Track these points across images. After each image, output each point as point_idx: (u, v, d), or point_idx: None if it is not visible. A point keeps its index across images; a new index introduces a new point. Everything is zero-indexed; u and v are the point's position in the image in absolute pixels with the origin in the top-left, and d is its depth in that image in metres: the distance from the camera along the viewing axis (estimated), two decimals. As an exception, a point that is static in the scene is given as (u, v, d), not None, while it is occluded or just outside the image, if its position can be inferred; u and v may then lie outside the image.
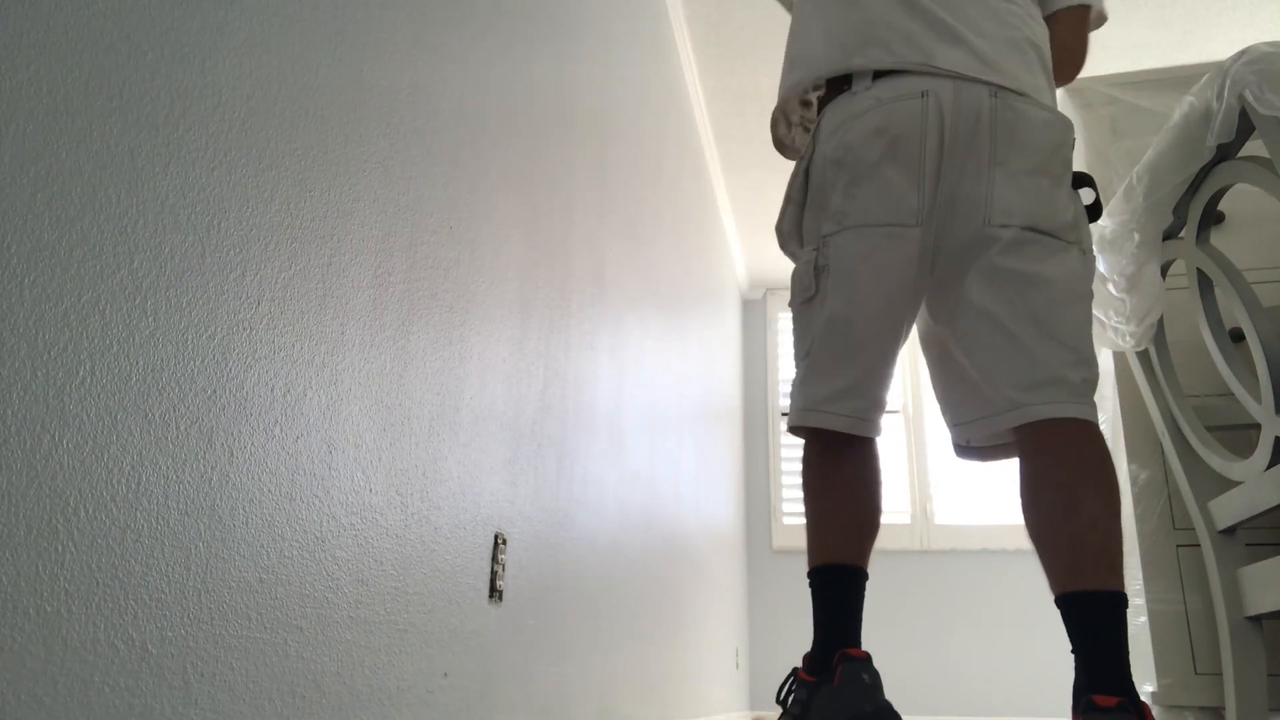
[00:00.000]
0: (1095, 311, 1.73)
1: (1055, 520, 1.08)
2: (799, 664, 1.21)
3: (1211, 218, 1.50)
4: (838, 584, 1.21)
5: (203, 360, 0.76)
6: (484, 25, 1.45)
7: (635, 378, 2.37)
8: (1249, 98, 1.25)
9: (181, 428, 0.73)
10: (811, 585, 1.23)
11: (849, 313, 1.20)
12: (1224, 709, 1.56)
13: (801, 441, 1.31)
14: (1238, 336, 1.50)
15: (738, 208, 4.69)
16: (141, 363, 0.69)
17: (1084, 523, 1.05)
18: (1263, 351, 1.31)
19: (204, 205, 0.77)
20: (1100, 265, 1.69)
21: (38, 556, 0.59)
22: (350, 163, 1.01)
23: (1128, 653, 1.03)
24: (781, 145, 1.40)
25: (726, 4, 3.31)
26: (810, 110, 1.31)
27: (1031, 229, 1.14)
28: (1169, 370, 1.67)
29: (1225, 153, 1.40)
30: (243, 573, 0.79)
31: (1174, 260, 1.59)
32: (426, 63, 1.22)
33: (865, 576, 1.23)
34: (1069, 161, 1.20)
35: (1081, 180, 1.21)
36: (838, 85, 1.26)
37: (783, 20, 3.38)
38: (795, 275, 1.29)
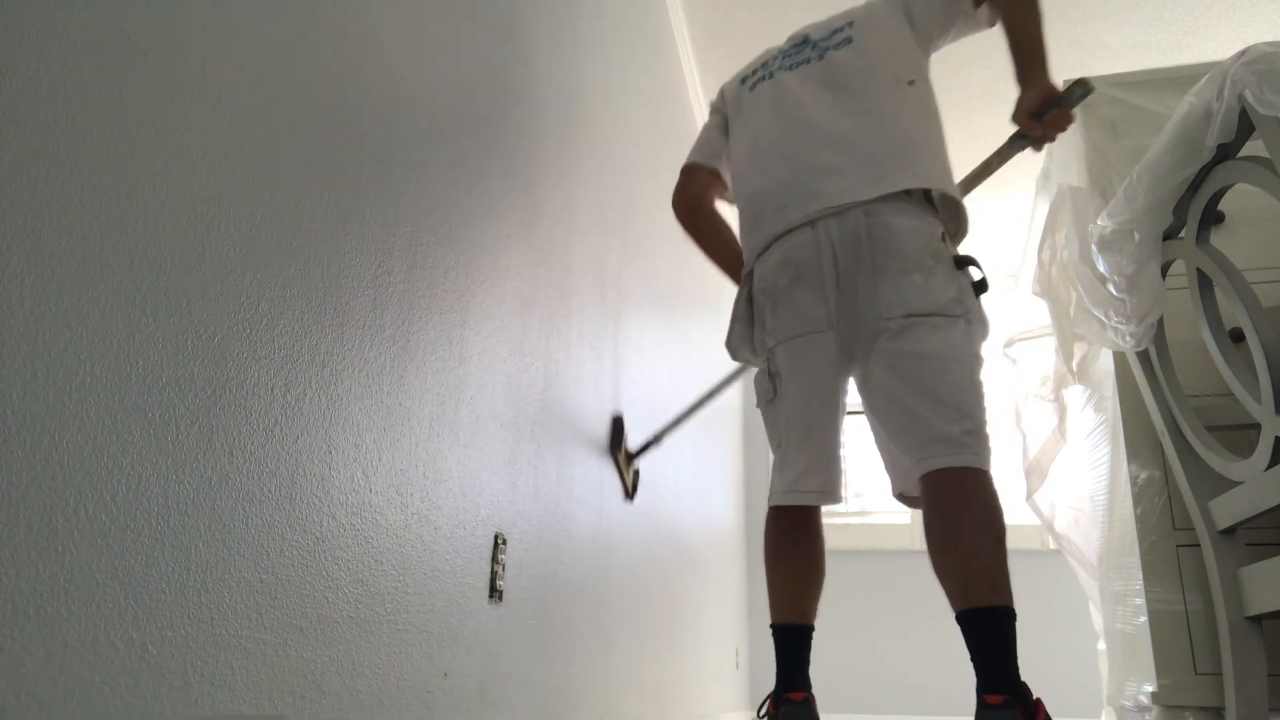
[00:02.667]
0: (1095, 312, 1.73)
1: (945, 553, 1.31)
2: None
3: (1211, 218, 1.50)
4: (787, 640, 1.51)
5: (203, 360, 0.76)
6: (485, 25, 1.45)
7: (635, 378, 2.36)
8: (1249, 98, 1.25)
9: (181, 428, 0.73)
10: (772, 637, 1.53)
11: (799, 407, 1.50)
12: (1224, 709, 1.56)
13: None
14: (1238, 336, 1.50)
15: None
16: (141, 363, 0.69)
17: (967, 554, 1.28)
18: (1263, 351, 1.31)
19: (204, 205, 0.77)
20: (1100, 265, 1.69)
21: (38, 556, 0.59)
22: (350, 163, 1.01)
23: (1014, 657, 1.22)
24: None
25: (726, 4, 3.31)
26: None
27: (911, 315, 1.39)
28: (1169, 370, 1.67)
29: (1225, 153, 1.40)
30: (243, 573, 0.79)
31: (1174, 260, 1.59)
32: (427, 62, 1.22)
33: (810, 629, 1.53)
34: (940, 254, 1.43)
35: (964, 262, 1.45)
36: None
37: (783, 22, 3.38)
38: (756, 381, 1.60)
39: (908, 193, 1.46)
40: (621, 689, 2.03)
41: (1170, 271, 1.64)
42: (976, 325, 1.43)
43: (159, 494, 0.70)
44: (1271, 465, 1.34)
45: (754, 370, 1.66)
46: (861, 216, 1.44)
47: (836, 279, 1.45)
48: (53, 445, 0.60)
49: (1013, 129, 1.56)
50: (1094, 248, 1.70)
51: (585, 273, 1.96)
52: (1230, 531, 1.54)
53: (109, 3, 0.68)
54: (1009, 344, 2.51)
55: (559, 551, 1.65)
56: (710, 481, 3.64)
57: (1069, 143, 2.11)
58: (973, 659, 1.23)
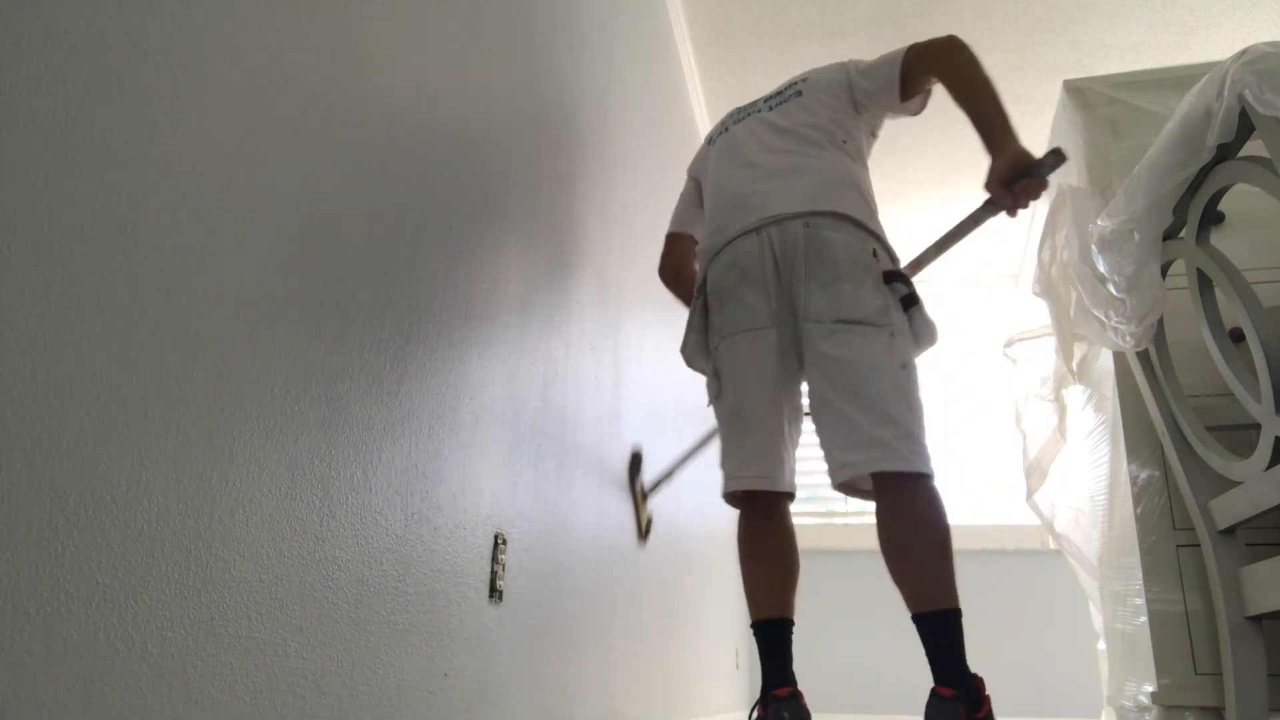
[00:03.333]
0: (1095, 312, 1.73)
1: (897, 563, 1.43)
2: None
3: (1211, 218, 1.50)
4: (767, 636, 1.57)
5: (202, 360, 0.76)
6: (485, 26, 1.45)
7: (635, 378, 2.36)
8: (1249, 98, 1.25)
9: (181, 428, 0.73)
10: (754, 636, 1.59)
11: (738, 400, 1.60)
12: (1224, 709, 1.56)
13: None
14: (1238, 336, 1.50)
15: (738, 208, 4.69)
16: (141, 363, 0.69)
17: (917, 565, 1.41)
18: (1263, 351, 1.31)
19: (204, 205, 0.77)
20: (1100, 265, 1.69)
21: (38, 556, 0.59)
22: (350, 163, 1.01)
23: (961, 650, 1.38)
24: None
25: (726, 4, 3.31)
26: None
27: (839, 321, 1.50)
28: (1169, 370, 1.67)
29: (1225, 153, 1.40)
30: (243, 573, 0.79)
31: (1174, 260, 1.59)
32: (428, 63, 1.22)
33: (790, 623, 1.60)
34: (869, 267, 1.53)
35: (892, 276, 1.54)
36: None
37: (783, 21, 3.39)
38: (707, 383, 1.70)
39: (843, 215, 1.58)
40: (621, 689, 2.03)
41: (1170, 271, 1.64)
42: (902, 337, 1.51)
43: (159, 494, 0.70)
44: (1271, 465, 1.34)
45: None
46: (801, 226, 1.56)
47: (778, 279, 1.57)
48: (53, 445, 0.60)
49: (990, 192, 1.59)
50: (1094, 248, 1.70)
51: (585, 273, 1.96)
52: (1230, 531, 1.54)
53: (109, 3, 0.68)
54: (1009, 344, 2.51)
55: (559, 551, 1.65)
56: (710, 481, 3.63)
57: (1069, 143, 2.11)
58: (927, 655, 1.38)
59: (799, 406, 1.65)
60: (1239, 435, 1.59)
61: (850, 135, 1.75)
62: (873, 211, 1.65)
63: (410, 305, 1.13)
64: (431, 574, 1.14)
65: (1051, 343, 2.22)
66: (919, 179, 4.40)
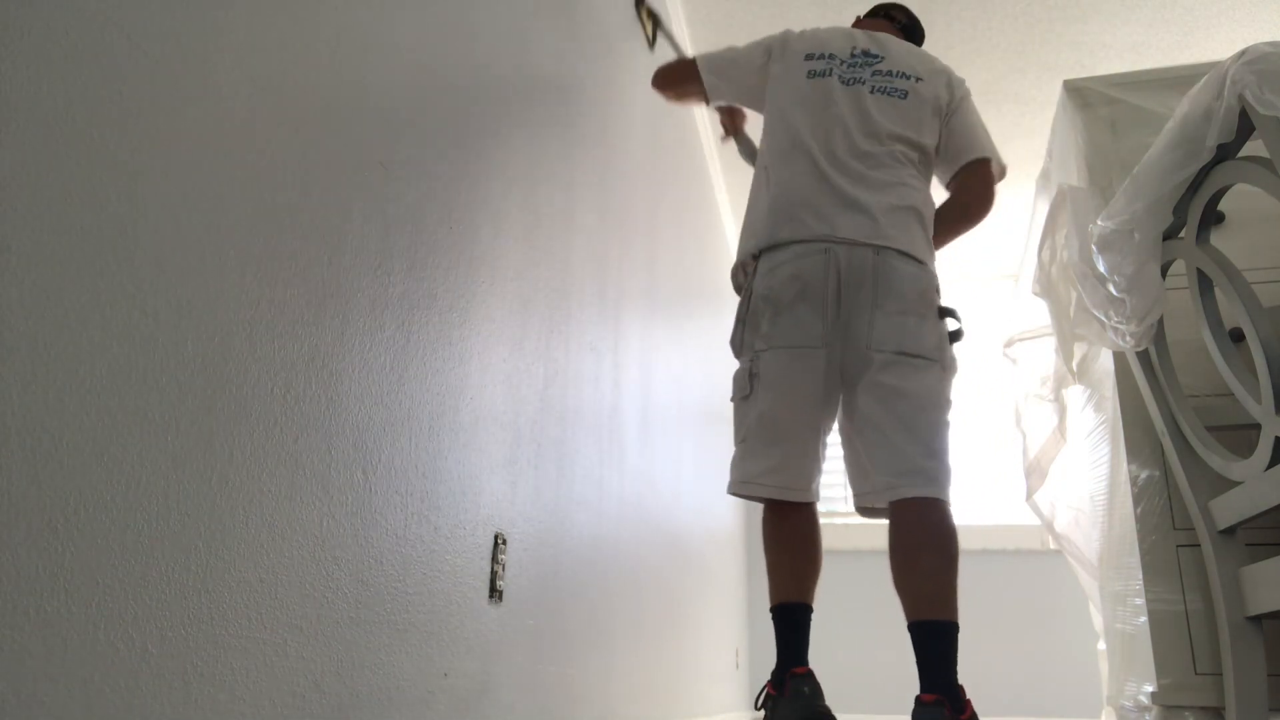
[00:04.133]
0: (1095, 312, 1.73)
1: (903, 573, 1.49)
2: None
3: (1211, 218, 1.50)
4: (789, 618, 1.64)
5: (203, 360, 0.76)
6: (485, 26, 1.45)
7: (635, 378, 2.37)
8: (1249, 98, 1.25)
9: (181, 428, 0.73)
10: (772, 619, 1.66)
11: (774, 411, 1.63)
12: (1224, 709, 1.56)
13: None
14: (1238, 336, 1.50)
15: (737, 208, 4.69)
16: (141, 363, 0.69)
17: (922, 575, 1.47)
18: (1263, 351, 1.31)
19: (204, 205, 0.77)
20: (1100, 265, 1.69)
21: (38, 556, 0.59)
22: (350, 163, 1.01)
23: (953, 663, 1.41)
24: (740, 289, 1.83)
25: (726, 4, 3.31)
26: (758, 262, 1.74)
27: (900, 353, 1.55)
28: (1169, 370, 1.67)
29: (1225, 153, 1.40)
30: (243, 573, 0.79)
31: (1174, 260, 1.59)
32: (428, 63, 1.22)
33: (810, 609, 1.66)
34: (932, 303, 1.62)
35: (945, 313, 1.63)
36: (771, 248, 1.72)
37: (783, 21, 3.38)
38: (735, 377, 1.72)
39: (910, 253, 1.64)
40: (621, 689, 2.03)
41: (1170, 271, 1.63)
42: (950, 370, 1.62)
43: (159, 494, 0.70)
44: (1271, 465, 1.34)
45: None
46: (871, 254, 1.60)
47: (838, 302, 1.60)
48: (53, 445, 0.60)
49: None
50: (1094, 248, 1.70)
51: (585, 273, 1.96)
52: (1230, 531, 1.54)
53: (109, 3, 0.68)
54: (1009, 344, 2.51)
55: (559, 551, 1.65)
56: (710, 481, 3.64)
57: (1069, 143, 2.11)
58: (917, 663, 1.42)
59: (831, 424, 1.70)
60: (1239, 435, 1.59)
61: (929, 154, 1.79)
62: (930, 244, 1.72)
63: (410, 305, 1.13)
64: (431, 574, 1.14)
65: (1051, 343, 2.22)
66: None
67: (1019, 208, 4.52)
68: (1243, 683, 1.48)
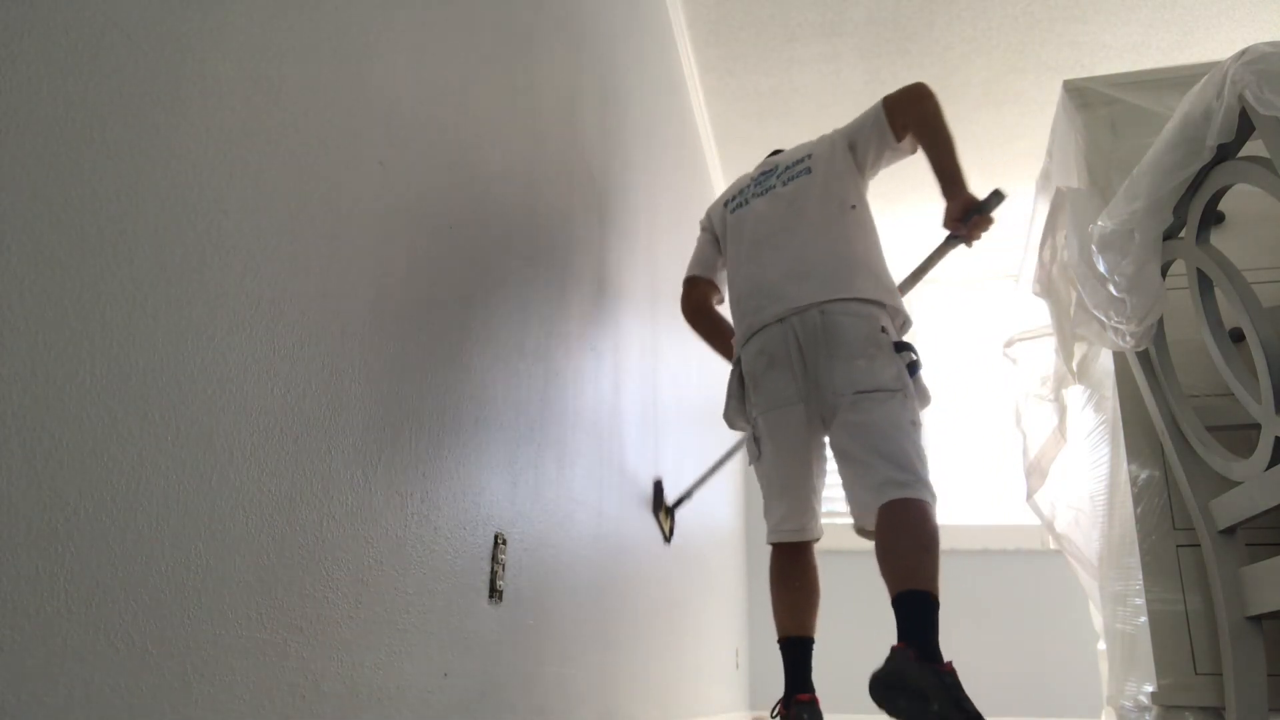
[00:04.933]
0: (1095, 312, 1.73)
1: (884, 559, 1.65)
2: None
3: (1211, 218, 1.50)
4: (792, 650, 1.89)
5: (203, 360, 0.76)
6: (486, 27, 1.45)
7: (635, 378, 2.36)
8: (1249, 98, 1.25)
9: (181, 428, 0.73)
10: (780, 651, 1.90)
11: (778, 462, 1.90)
12: (1224, 709, 1.56)
13: None
14: (1238, 336, 1.50)
15: (738, 208, 4.69)
16: (141, 363, 0.69)
17: (898, 556, 1.63)
18: (1263, 351, 1.31)
19: (204, 205, 0.77)
20: (1100, 265, 1.69)
21: (38, 556, 0.59)
22: (350, 163, 1.01)
23: (931, 628, 1.55)
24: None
25: (726, 4, 3.31)
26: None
27: (859, 391, 1.77)
28: (1169, 370, 1.67)
29: (1225, 153, 1.40)
30: (243, 573, 0.79)
31: (1174, 260, 1.59)
32: (427, 63, 1.22)
33: (811, 641, 1.92)
34: (879, 341, 1.80)
35: (901, 347, 1.82)
36: None
37: (783, 21, 3.39)
38: (746, 444, 1.99)
39: (852, 298, 1.84)
40: (621, 689, 2.03)
41: (1170, 271, 1.63)
42: (912, 398, 1.79)
43: (159, 494, 0.70)
44: (1271, 465, 1.34)
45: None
46: (818, 314, 1.83)
47: (803, 363, 1.84)
48: (53, 445, 0.60)
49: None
50: (1094, 248, 1.70)
51: (585, 273, 1.96)
52: (1230, 531, 1.54)
53: (109, 3, 0.68)
54: (1009, 344, 2.51)
55: (559, 551, 1.65)
56: (710, 481, 3.63)
57: (1069, 143, 2.11)
58: (899, 631, 1.56)
59: (824, 461, 1.95)
60: (1239, 435, 1.59)
61: (859, 198, 2.01)
62: (879, 280, 1.89)
63: (410, 305, 1.13)
64: (431, 574, 1.14)
65: (1051, 343, 2.22)
66: (916, 180, 4.40)
67: (1019, 208, 4.53)
68: (1243, 683, 1.48)
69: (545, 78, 1.76)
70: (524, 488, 1.49)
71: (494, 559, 1.34)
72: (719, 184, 4.40)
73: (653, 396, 2.57)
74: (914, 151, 2.05)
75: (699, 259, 2.26)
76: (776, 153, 2.29)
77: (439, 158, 1.24)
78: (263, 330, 0.84)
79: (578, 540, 1.77)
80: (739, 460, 4.88)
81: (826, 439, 1.89)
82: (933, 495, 1.69)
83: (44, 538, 0.59)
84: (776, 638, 1.92)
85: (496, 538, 1.35)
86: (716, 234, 2.22)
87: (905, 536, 1.63)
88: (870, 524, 1.73)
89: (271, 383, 0.85)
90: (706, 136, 4.04)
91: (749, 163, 4.38)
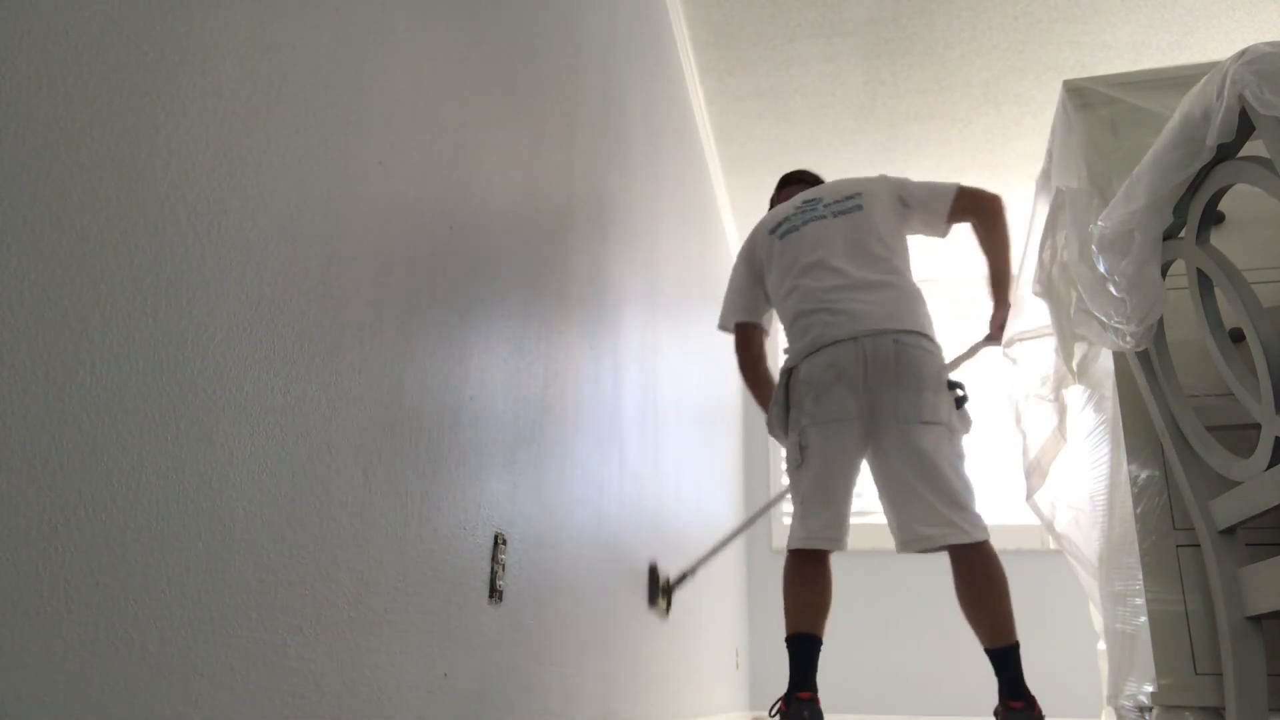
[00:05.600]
0: (1095, 312, 1.73)
1: (975, 613, 1.89)
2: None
3: (1211, 218, 1.50)
4: (803, 648, 1.94)
5: (203, 360, 0.76)
6: (487, 27, 1.45)
7: (635, 378, 2.36)
8: (1249, 98, 1.25)
9: (181, 428, 0.73)
10: (787, 647, 1.96)
11: (825, 474, 1.99)
12: (1224, 709, 1.56)
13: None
14: (1238, 336, 1.50)
15: (738, 208, 4.69)
16: (141, 363, 0.69)
17: (994, 614, 1.87)
18: (1263, 351, 1.31)
19: (204, 205, 0.77)
20: (1100, 265, 1.69)
21: (38, 556, 0.59)
22: (350, 163, 1.01)
23: (1022, 673, 1.85)
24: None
25: (726, 4, 3.31)
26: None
27: (920, 422, 1.92)
28: (1169, 370, 1.67)
29: (1225, 153, 1.40)
30: (243, 573, 0.79)
31: (1174, 260, 1.59)
32: (427, 63, 1.22)
33: (820, 641, 1.98)
34: (941, 378, 1.99)
35: (954, 385, 2.02)
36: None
37: (783, 21, 3.39)
38: (788, 450, 2.07)
39: (922, 333, 2.01)
40: (621, 689, 2.03)
41: (1170, 271, 1.63)
42: (960, 432, 2.00)
43: (159, 494, 0.70)
44: (1271, 465, 1.34)
45: (767, 507, 2.53)
46: (891, 342, 1.97)
47: (865, 382, 1.96)
48: (53, 445, 0.60)
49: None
50: (1094, 248, 1.70)
51: (585, 273, 1.96)
52: (1230, 531, 1.54)
53: (109, 3, 0.68)
54: (1009, 344, 2.51)
55: (559, 551, 1.65)
56: (710, 481, 3.63)
57: (1069, 143, 2.11)
58: (999, 677, 1.84)
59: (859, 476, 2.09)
60: (1239, 435, 1.59)
61: (904, 247, 2.19)
62: (932, 321, 2.08)
63: (411, 305, 1.13)
64: (431, 574, 1.14)
65: (1051, 343, 2.22)
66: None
67: (1019, 208, 4.52)
68: (1243, 683, 1.48)
69: (545, 78, 1.76)
70: (524, 488, 1.49)
71: (494, 559, 1.34)
72: (719, 183, 4.40)
73: (653, 396, 2.57)
74: (942, 237, 2.27)
75: (746, 304, 2.34)
76: (794, 183, 2.50)
77: (439, 158, 1.24)
78: (263, 330, 0.84)
79: (578, 540, 1.77)
80: (739, 461, 4.89)
81: (866, 458, 2.04)
82: (984, 528, 1.90)
83: (44, 538, 0.59)
84: (786, 634, 1.96)
85: (496, 538, 1.35)
86: (760, 269, 2.30)
87: (991, 593, 1.87)
88: (915, 549, 1.94)
89: (271, 383, 0.85)
90: (706, 136, 4.04)
91: (749, 162, 4.39)
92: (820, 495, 1.98)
